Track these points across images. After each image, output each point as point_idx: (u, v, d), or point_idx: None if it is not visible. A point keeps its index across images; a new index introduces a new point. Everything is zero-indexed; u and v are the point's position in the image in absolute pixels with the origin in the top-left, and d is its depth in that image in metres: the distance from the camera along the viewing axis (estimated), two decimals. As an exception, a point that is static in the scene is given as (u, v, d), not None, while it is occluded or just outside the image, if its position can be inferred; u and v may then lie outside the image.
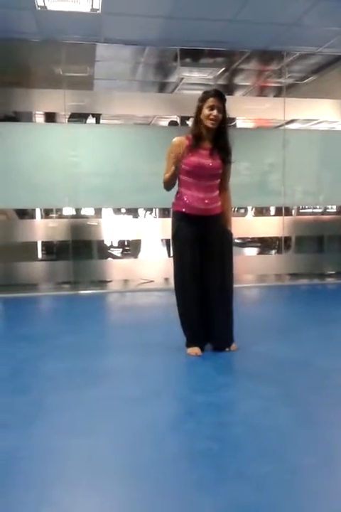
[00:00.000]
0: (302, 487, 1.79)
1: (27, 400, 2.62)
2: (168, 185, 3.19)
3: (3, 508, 1.67)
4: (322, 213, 7.50)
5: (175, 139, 3.19)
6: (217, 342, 3.35)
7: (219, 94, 3.09)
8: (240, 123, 9.23)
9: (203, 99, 3.10)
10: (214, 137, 3.16)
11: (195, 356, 3.25)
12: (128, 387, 2.79)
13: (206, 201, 3.16)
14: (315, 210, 7.77)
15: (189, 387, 2.82)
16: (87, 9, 4.65)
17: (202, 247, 3.19)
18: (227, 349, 3.33)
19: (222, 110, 3.10)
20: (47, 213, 7.16)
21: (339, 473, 1.91)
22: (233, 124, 9.24)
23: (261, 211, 10.15)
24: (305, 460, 1.96)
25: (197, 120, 3.14)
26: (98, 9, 4.66)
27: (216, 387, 2.74)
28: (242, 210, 10.85)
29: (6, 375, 3.03)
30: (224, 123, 3.14)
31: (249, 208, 10.45)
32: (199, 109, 3.11)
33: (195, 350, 3.28)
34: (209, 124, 3.08)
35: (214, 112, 3.05)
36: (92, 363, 3.18)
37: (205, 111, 3.07)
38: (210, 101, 3.06)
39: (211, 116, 3.05)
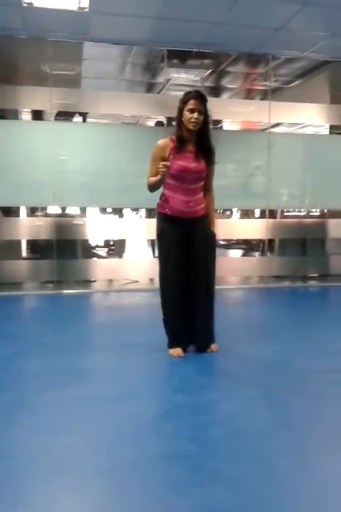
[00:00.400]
0: (278, 488, 1.81)
1: (6, 398, 2.62)
2: (154, 189, 3.21)
3: (-21, 508, 1.67)
4: (306, 216, 7.56)
5: (160, 142, 3.18)
6: (198, 343, 3.36)
7: (200, 96, 3.05)
8: (227, 125, 9.28)
9: (184, 101, 3.07)
10: (197, 139, 3.16)
11: (176, 357, 3.26)
12: (108, 386, 2.79)
13: (191, 204, 3.16)
14: (298, 214, 7.83)
15: (169, 388, 2.83)
16: (74, 7, 4.63)
17: (186, 248, 3.20)
18: (209, 350, 3.35)
19: (203, 112, 3.07)
20: (33, 212, 7.12)
21: (314, 475, 1.93)
22: (219, 126, 9.30)
23: (246, 213, 10.22)
24: (281, 461, 1.98)
25: (179, 122, 3.11)
26: (85, 8, 4.64)
27: (196, 388, 2.76)
28: (228, 212, 10.92)
29: (-14, 373, 3.01)
30: (206, 124, 3.12)
31: (235, 210, 10.53)
32: (181, 111, 3.09)
33: (177, 351, 3.28)
34: (190, 126, 3.06)
35: (195, 115, 3.02)
36: (74, 362, 3.17)
37: (186, 114, 3.04)
38: (191, 103, 3.02)
39: (192, 120, 3.03)
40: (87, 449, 2.08)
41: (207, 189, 3.30)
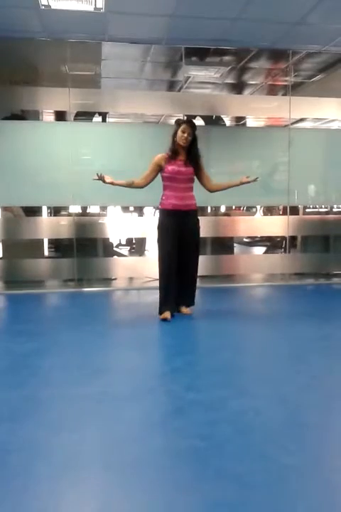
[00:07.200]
0: (283, 487, 1.79)
1: (21, 394, 2.66)
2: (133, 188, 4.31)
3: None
4: (328, 213, 7.44)
5: (159, 154, 4.21)
6: (182, 301, 4.41)
7: (189, 122, 4.20)
8: (251, 122, 9.21)
9: (178, 125, 4.18)
10: (187, 152, 4.20)
11: (165, 321, 4.08)
12: (121, 384, 2.81)
13: (184, 199, 4.20)
14: (321, 210, 7.72)
15: (181, 385, 2.82)
16: (90, 8, 4.67)
17: (179, 234, 4.17)
18: (184, 311, 4.41)
19: (192, 134, 4.14)
20: (57, 211, 7.21)
21: (321, 475, 1.90)
22: (242, 123, 9.25)
23: (270, 210, 10.13)
24: (289, 460, 1.96)
25: (174, 139, 4.17)
26: (101, 8, 4.68)
27: (208, 385, 2.76)
28: (254, 210, 10.85)
29: (3, 369, 3.08)
30: (194, 143, 4.18)
31: (258, 207, 10.45)
32: (175, 132, 4.18)
33: (165, 315, 4.17)
34: (181, 143, 4.16)
35: (185, 135, 4.13)
36: (88, 360, 3.21)
37: (179, 133, 4.14)
38: (183, 127, 4.13)
39: (182, 138, 4.13)
40: (96, 445, 2.10)
41: (207, 179, 4.36)
